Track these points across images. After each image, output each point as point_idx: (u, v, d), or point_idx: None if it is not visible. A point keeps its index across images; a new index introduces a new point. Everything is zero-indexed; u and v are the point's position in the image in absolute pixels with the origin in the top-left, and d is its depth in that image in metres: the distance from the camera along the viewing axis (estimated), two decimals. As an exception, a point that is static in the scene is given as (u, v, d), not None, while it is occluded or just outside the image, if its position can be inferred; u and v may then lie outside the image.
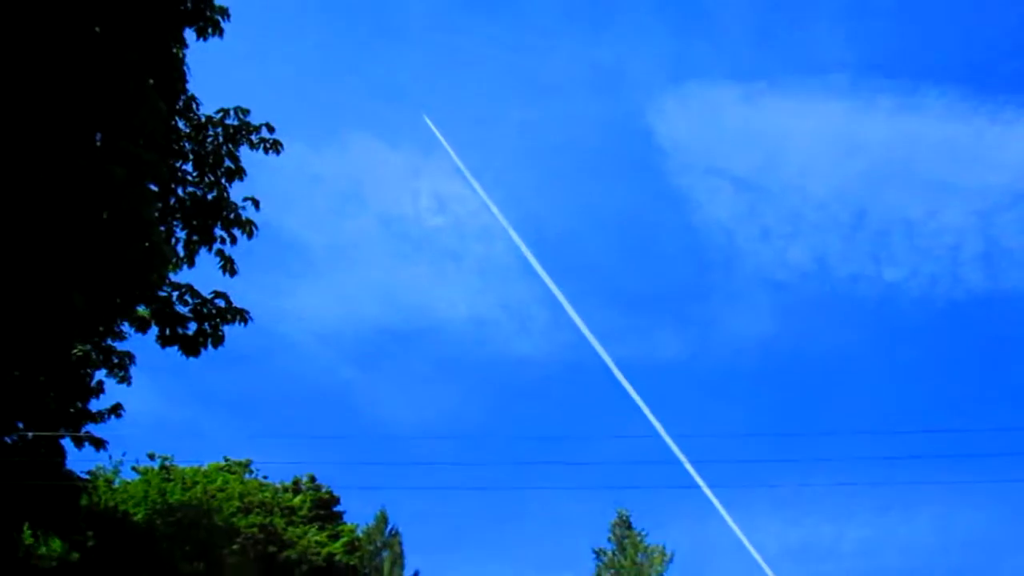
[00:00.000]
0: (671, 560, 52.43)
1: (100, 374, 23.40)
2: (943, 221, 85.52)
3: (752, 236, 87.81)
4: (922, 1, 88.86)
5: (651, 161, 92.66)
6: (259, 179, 17.86)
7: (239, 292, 18.02)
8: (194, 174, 17.27)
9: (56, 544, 27.70)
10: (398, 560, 50.84)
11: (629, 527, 54.20)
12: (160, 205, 16.64)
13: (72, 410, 22.99)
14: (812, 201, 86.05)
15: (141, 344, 22.65)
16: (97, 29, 13.09)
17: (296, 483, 48.83)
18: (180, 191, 17.10)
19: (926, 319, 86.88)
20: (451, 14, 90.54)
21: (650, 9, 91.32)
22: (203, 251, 17.63)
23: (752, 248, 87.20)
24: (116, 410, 23.33)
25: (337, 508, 49.76)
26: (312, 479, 49.11)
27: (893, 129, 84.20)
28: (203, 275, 18.13)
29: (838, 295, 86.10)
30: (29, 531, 26.57)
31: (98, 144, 13.42)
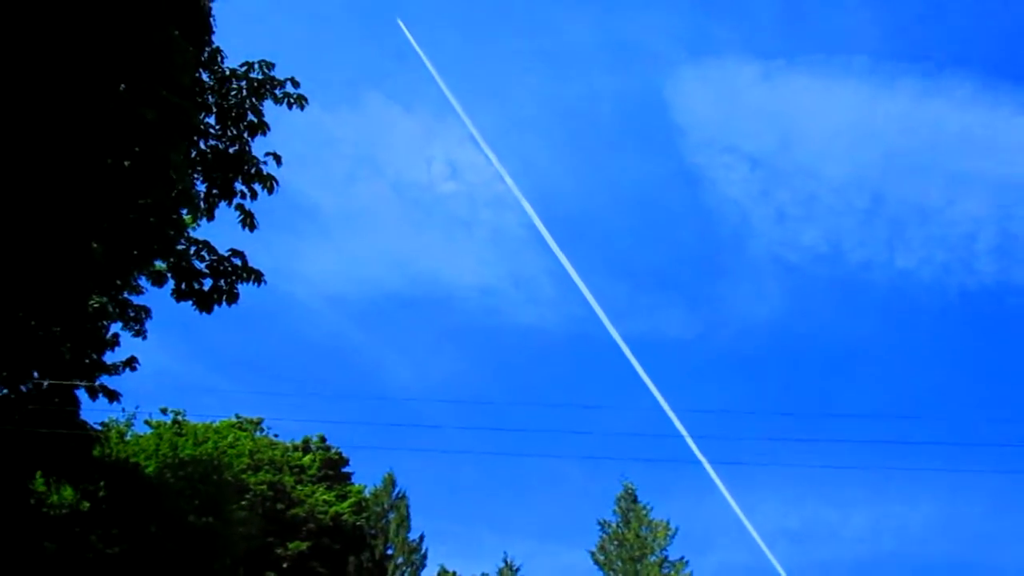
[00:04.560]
0: (674, 535, 52.61)
1: (116, 327, 23.48)
2: (960, 210, 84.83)
3: (766, 217, 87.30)
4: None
5: (667, 137, 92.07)
6: (274, 138, 17.73)
7: (251, 252, 17.97)
8: (216, 127, 17.11)
9: (68, 492, 27.87)
10: (404, 523, 51.14)
11: (635, 501, 54.31)
12: (195, 154, 16.55)
13: (87, 361, 23.05)
14: (828, 184, 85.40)
15: (157, 301, 22.69)
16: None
17: (306, 442, 49.13)
18: (202, 144, 16.97)
19: (937, 307, 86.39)
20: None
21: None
22: (222, 206, 17.52)
23: (766, 229, 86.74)
24: (131, 363, 23.40)
25: (346, 469, 50.13)
26: (322, 439, 49.40)
27: (913, 114, 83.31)
28: (220, 232, 18.06)
29: (850, 280, 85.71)
30: (41, 479, 26.73)
31: (127, 89, 13.28)
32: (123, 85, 13.57)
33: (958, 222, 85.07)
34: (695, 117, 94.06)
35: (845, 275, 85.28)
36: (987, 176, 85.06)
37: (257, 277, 17.79)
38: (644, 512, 53.75)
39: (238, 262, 17.69)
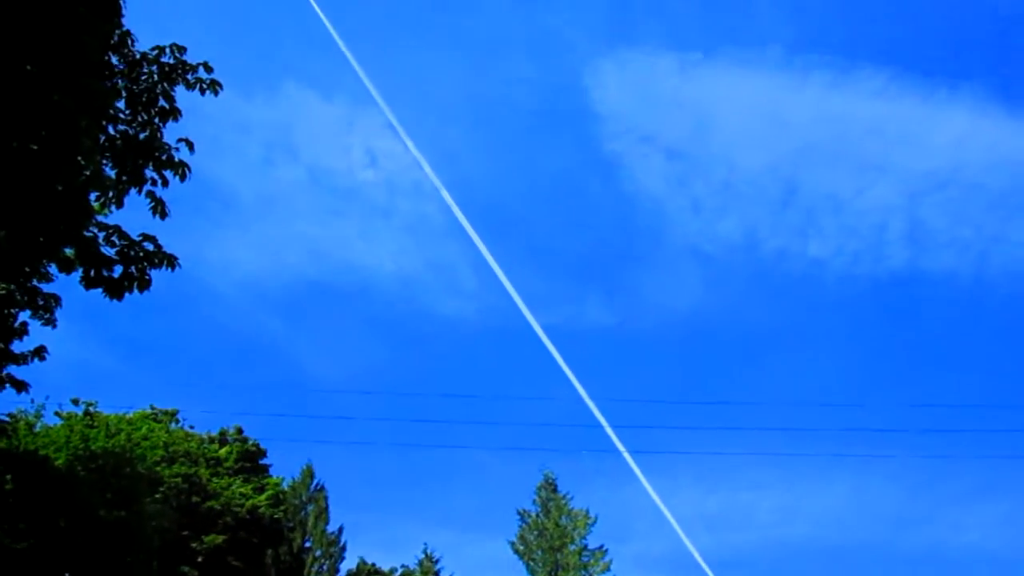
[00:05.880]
0: (594, 524, 53.29)
1: (24, 315, 22.91)
2: (871, 200, 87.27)
3: (682, 207, 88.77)
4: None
5: (585, 126, 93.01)
6: (188, 124, 17.49)
7: (164, 239, 17.66)
8: (126, 112, 16.81)
9: (-28, 486, 27.21)
10: (323, 515, 50.92)
11: (555, 490, 54.85)
12: (103, 139, 16.22)
13: (-8, 350, 22.46)
14: (743, 174, 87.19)
15: (67, 288, 22.21)
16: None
17: (223, 434, 48.52)
18: (111, 129, 16.65)
19: (850, 295, 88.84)
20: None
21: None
22: (132, 193, 17.22)
23: (682, 219, 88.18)
24: (40, 352, 22.81)
25: (263, 461, 49.61)
26: (239, 431, 48.84)
27: (825, 106, 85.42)
28: (130, 220, 17.75)
29: (765, 269, 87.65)
30: (-56, 472, 26.06)
31: (35, 70, 13.00)
32: (30, 66, 13.29)
33: (869, 211, 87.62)
34: (613, 107, 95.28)
35: (760, 264, 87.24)
36: (896, 166, 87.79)
37: (171, 262, 17.51)
38: (564, 502, 54.33)
39: (150, 247, 17.38)
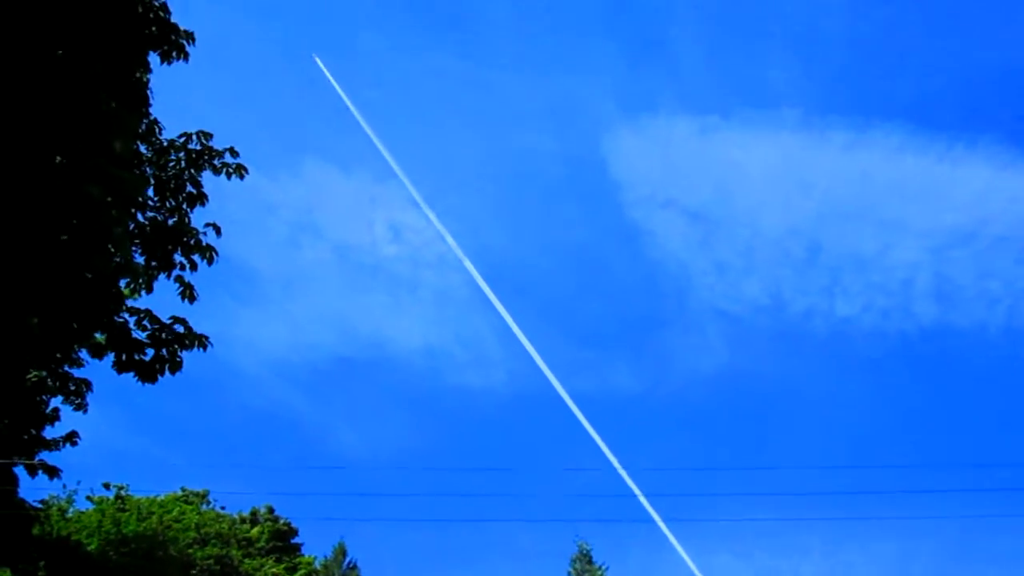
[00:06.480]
0: (631, 594, 52.28)
1: (56, 401, 23.09)
2: (895, 257, 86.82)
3: (706, 269, 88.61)
4: (873, 39, 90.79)
5: (606, 193, 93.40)
6: (213, 204, 17.78)
7: (191, 320, 17.82)
8: (155, 199, 17.15)
9: (6, 574, 27.14)
10: (356, 593, 50.33)
11: (590, 561, 54.05)
12: (133, 226, 16.52)
13: (26, 437, 22.59)
14: (765, 236, 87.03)
15: (96, 369, 22.39)
16: (61, 52, 13.05)
17: (254, 514, 48.28)
18: (140, 216, 16.96)
19: (878, 353, 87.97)
20: (408, 44, 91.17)
21: (605, 42, 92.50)
22: (161, 277, 17.47)
23: (706, 281, 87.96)
24: (71, 438, 22.96)
25: (295, 540, 49.24)
26: (270, 510, 48.58)
27: (845, 165, 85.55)
28: (159, 301, 17.96)
29: (792, 329, 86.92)
30: (-22, 561, 26.04)
31: (66, 162, 13.30)
32: (64, 158, 13.59)
33: (894, 268, 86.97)
34: (633, 173, 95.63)
35: (787, 324, 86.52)
36: (920, 223, 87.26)
37: (202, 342, 17.66)
38: (599, 572, 53.50)
39: (181, 329, 17.56)
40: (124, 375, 17.67)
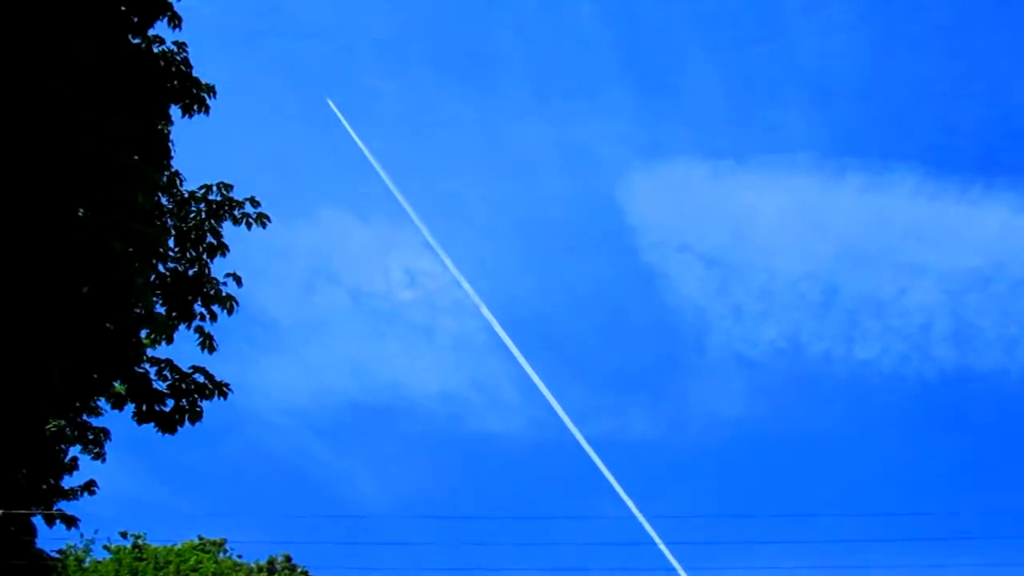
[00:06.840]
0: (652, 644, 51.58)
1: (74, 450, 23.10)
2: (913, 300, 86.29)
3: (723, 314, 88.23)
4: (888, 82, 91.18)
5: (621, 238, 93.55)
6: (233, 253, 17.88)
7: (209, 368, 17.81)
8: (175, 250, 17.28)
9: (23, 625, 27.01)
10: (374, 642, 49.79)
11: (610, 609, 53.34)
12: (154, 278, 16.62)
13: (44, 487, 22.59)
14: (782, 279, 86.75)
15: (115, 418, 22.41)
16: (86, 107, 13.23)
17: (271, 563, 47.97)
18: (161, 267, 17.08)
19: (898, 397, 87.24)
20: (423, 90, 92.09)
21: (619, 87, 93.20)
22: (181, 327, 17.53)
23: (723, 326, 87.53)
24: (89, 487, 22.93)
25: (313, 588, 48.82)
26: (287, 559, 48.29)
27: (861, 207, 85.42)
28: (179, 350, 17.99)
29: (810, 373, 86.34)
30: (-5, 612, 25.92)
31: (88, 217, 13.44)
32: (87, 211, 13.73)
33: (913, 312, 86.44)
34: (648, 218, 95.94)
35: (805, 368, 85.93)
36: (937, 265, 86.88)
37: (222, 391, 17.65)
38: (619, 621, 52.82)
39: (201, 379, 17.56)
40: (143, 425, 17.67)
